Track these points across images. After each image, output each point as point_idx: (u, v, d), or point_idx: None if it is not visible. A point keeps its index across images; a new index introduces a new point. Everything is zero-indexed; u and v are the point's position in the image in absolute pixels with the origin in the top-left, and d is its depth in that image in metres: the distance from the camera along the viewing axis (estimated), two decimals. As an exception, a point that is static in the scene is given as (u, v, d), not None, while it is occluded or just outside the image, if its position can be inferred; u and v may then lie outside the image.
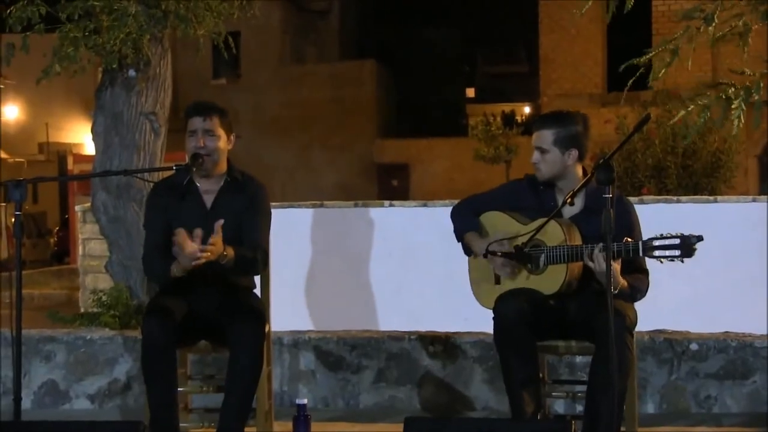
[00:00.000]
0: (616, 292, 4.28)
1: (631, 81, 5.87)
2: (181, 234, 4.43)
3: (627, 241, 4.24)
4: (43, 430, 3.92)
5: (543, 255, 4.46)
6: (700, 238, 4.13)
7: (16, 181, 4.08)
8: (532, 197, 4.67)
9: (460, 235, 4.80)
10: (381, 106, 34.61)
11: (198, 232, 4.44)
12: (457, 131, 35.38)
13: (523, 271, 4.55)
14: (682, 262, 4.15)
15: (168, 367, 4.50)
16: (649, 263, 4.48)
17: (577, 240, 4.46)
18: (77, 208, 9.97)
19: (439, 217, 7.32)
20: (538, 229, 4.42)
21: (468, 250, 4.77)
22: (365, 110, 33.55)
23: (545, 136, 4.59)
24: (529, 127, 32.03)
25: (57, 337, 6.10)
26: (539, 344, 4.52)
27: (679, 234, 4.15)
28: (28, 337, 5.96)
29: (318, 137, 32.41)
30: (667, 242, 4.16)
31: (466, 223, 4.77)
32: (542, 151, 4.59)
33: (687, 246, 4.12)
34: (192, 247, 4.43)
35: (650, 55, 5.93)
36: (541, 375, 4.59)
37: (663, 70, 5.80)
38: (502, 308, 4.42)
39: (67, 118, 34.89)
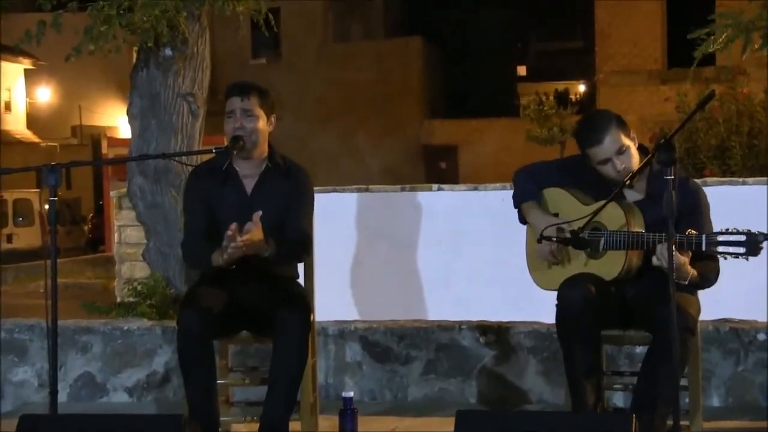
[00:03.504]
0: (686, 283, 4.26)
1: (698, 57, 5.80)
2: (233, 229, 4.44)
3: (690, 233, 4.20)
4: (80, 423, 3.95)
5: (602, 239, 4.43)
6: (767, 237, 4.09)
7: (51, 165, 4.08)
8: (593, 175, 4.61)
9: (518, 203, 4.77)
10: (428, 86, 34.57)
11: (233, 226, 4.45)
12: (509, 111, 35.27)
13: (582, 255, 4.53)
14: (747, 260, 4.11)
15: (205, 358, 4.53)
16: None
17: (639, 225, 4.43)
18: (113, 193, 10.07)
19: (489, 200, 7.33)
20: (595, 213, 4.39)
21: (523, 219, 4.76)
22: (412, 90, 33.53)
23: (617, 136, 4.48)
24: (585, 106, 31.91)
25: (93, 328, 6.15)
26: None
27: (745, 230, 4.11)
28: (64, 327, 6.01)
29: (363, 119, 32.43)
30: (732, 238, 4.12)
31: (525, 191, 4.74)
32: (621, 151, 4.49)
33: (753, 244, 4.08)
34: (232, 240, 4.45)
35: (706, 30, 5.86)
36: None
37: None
38: (567, 293, 4.38)
39: (101, 101, 35.20)
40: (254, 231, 4.46)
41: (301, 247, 4.81)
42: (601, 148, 4.49)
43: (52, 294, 4.02)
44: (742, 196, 7.04)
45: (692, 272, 4.33)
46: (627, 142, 4.50)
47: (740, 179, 7.71)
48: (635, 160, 4.51)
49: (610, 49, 26.81)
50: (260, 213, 4.48)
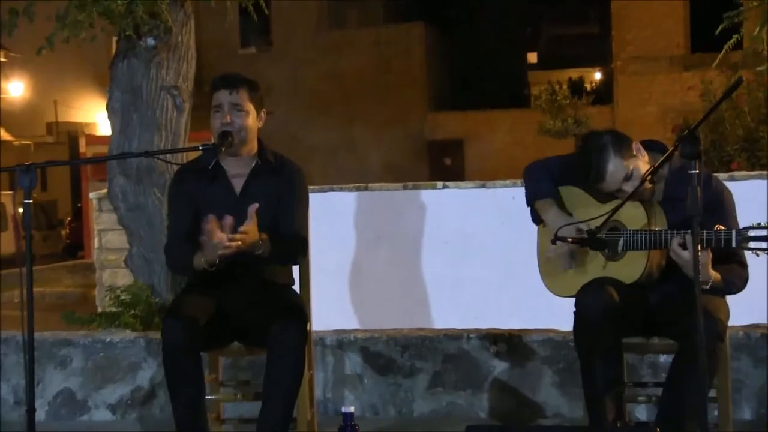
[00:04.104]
0: (707, 287, 4.25)
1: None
2: (211, 221, 4.45)
3: (719, 229, 4.20)
4: (59, 444, 3.96)
5: (621, 239, 4.43)
6: None
7: (25, 165, 4.08)
8: None
9: (531, 200, 4.77)
10: (432, 76, 34.55)
11: (228, 220, 4.46)
12: (519, 102, 35.32)
13: (599, 257, 4.53)
14: None
15: (193, 371, 4.53)
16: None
17: (662, 225, 4.43)
18: (92, 195, 10.06)
19: (499, 199, 7.34)
20: (614, 211, 4.38)
21: (537, 218, 4.75)
22: (414, 80, 33.52)
23: (618, 165, 4.46)
24: (601, 96, 31.90)
25: (73, 341, 6.16)
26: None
27: None
28: (41, 340, 6.03)
29: (362, 112, 32.44)
30: (764, 233, 4.11)
31: (540, 187, 4.74)
32: (628, 177, 4.45)
33: None
34: (220, 236, 4.45)
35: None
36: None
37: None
38: (586, 300, 4.37)
39: (78, 95, 35.18)
40: (250, 226, 4.47)
41: (297, 247, 4.82)
42: (605, 183, 4.50)
43: (28, 304, 4.02)
44: (773, 191, 7.03)
45: (714, 275, 4.33)
46: (631, 164, 4.48)
47: (770, 172, 7.70)
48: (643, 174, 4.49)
49: (628, 33, 26.81)
50: (256, 205, 4.49)
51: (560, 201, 4.70)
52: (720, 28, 5.98)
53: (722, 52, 5.99)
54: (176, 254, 4.85)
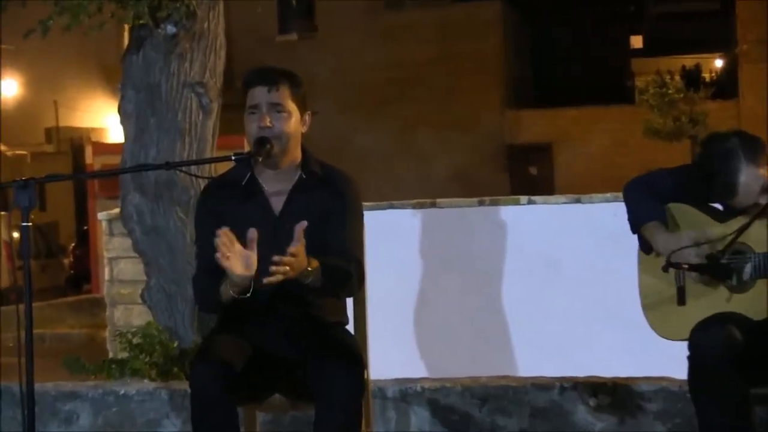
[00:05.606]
0: None
1: None
2: (225, 235, 4.41)
3: None
4: None
5: (749, 265, 4.40)
6: None
7: (23, 181, 4.10)
8: None
9: (637, 225, 4.75)
10: (512, 66, 34.56)
11: (252, 234, 4.44)
12: (620, 97, 35.18)
13: (722, 289, 4.50)
14: None
15: (228, 428, 4.54)
16: None
17: (798, 247, 4.40)
18: (100, 216, 10.16)
19: (596, 216, 7.32)
20: (741, 231, 4.35)
21: (647, 246, 4.73)
22: (490, 72, 33.54)
23: (752, 176, 4.45)
24: (722, 87, 31.71)
25: (80, 393, 6.20)
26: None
27: None
28: (42, 392, 6.07)
29: (425, 110, 32.49)
30: None
31: (646, 209, 4.72)
32: (766, 188, 4.47)
33: None
34: (247, 257, 4.43)
35: None
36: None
37: None
38: (703, 341, 4.36)
39: (83, 95, 35.51)
40: (299, 248, 4.43)
41: (352, 274, 4.79)
42: (738, 198, 4.48)
43: (27, 349, 4.05)
44: None
45: None
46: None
47: None
48: None
49: (756, 11, 26.62)
50: (305, 223, 4.44)
51: (673, 221, 4.67)
52: None
53: None
54: (202, 290, 4.86)
